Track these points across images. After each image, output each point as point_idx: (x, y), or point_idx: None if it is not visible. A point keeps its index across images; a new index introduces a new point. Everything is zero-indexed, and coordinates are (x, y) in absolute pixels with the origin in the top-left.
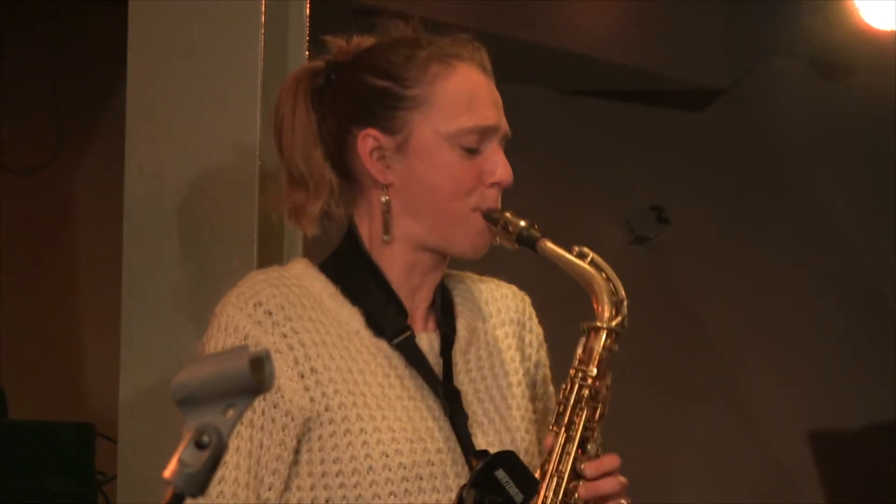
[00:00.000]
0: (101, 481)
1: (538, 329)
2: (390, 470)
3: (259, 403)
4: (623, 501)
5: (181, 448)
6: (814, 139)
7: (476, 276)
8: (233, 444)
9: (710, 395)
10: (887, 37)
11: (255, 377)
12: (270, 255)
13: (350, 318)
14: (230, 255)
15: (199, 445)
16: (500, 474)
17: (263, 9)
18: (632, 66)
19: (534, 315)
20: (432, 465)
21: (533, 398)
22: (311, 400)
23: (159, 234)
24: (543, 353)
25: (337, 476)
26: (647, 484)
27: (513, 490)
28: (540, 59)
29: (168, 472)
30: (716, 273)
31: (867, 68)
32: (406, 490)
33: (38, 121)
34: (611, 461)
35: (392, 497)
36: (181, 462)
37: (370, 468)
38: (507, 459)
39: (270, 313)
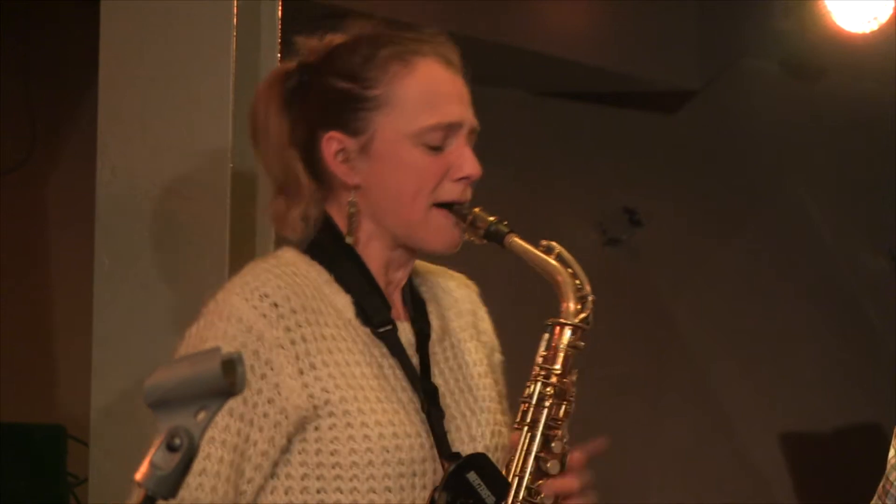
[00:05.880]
0: (73, 483)
1: (487, 315)
2: (389, 465)
3: (253, 397)
4: (586, 500)
5: (153, 450)
6: (786, 141)
7: (427, 265)
8: (219, 436)
9: (683, 397)
10: (859, 39)
11: (227, 379)
12: (242, 255)
13: (344, 306)
14: (202, 257)
15: (171, 448)
16: (472, 477)
17: (235, 10)
18: (604, 67)
19: (481, 302)
20: (425, 461)
21: (495, 382)
22: (310, 396)
23: (131, 236)
24: (495, 338)
25: (333, 468)
26: (620, 485)
27: (484, 493)
28: (512, 61)
29: (139, 475)
30: (688, 275)
31: (839, 70)
32: (401, 486)
33: (9, 122)
34: (579, 459)
35: (387, 492)
36: (152, 464)
37: (370, 462)
38: (479, 462)
39: (276, 305)
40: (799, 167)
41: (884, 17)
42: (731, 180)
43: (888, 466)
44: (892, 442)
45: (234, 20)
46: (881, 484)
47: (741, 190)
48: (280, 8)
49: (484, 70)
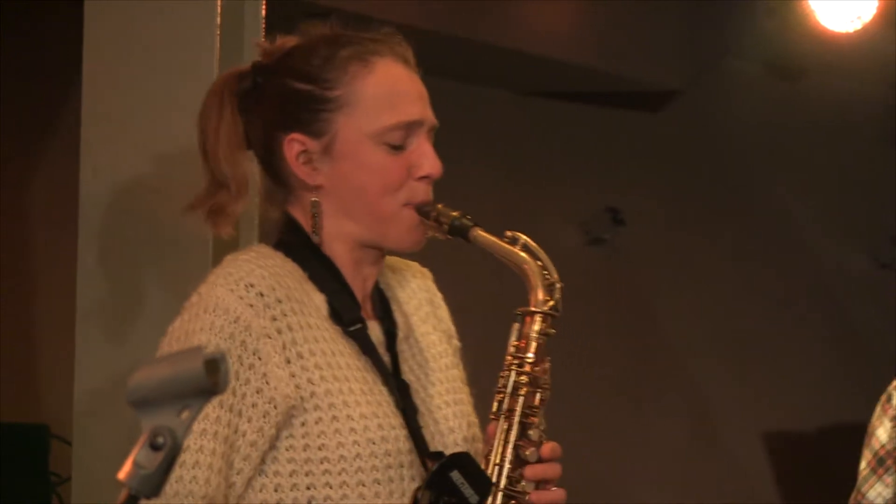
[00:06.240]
0: (56, 482)
1: (443, 302)
2: (376, 457)
3: (241, 387)
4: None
5: (136, 450)
6: (769, 140)
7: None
8: (210, 428)
9: (667, 396)
10: (842, 39)
11: (209, 378)
12: (225, 254)
13: (321, 304)
14: (185, 257)
15: (154, 447)
16: (456, 475)
17: (219, 10)
18: (588, 67)
19: (436, 289)
20: (411, 453)
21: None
22: (297, 387)
23: (114, 235)
24: (452, 324)
25: (322, 463)
26: (605, 484)
27: (468, 491)
28: (497, 61)
29: (123, 474)
30: (672, 274)
31: (822, 70)
32: (389, 478)
33: None
34: (553, 449)
35: (376, 484)
36: (136, 463)
37: (357, 455)
38: (463, 461)
39: (262, 295)
40: (782, 166)
41: (867, 17)
42: (714, 179)
43: (860, 478)
44: (863, 452)
45: (218, 20)
46: (853, 496)
47: (724, 189)
48: (264, 7)
49: (469, 69)
